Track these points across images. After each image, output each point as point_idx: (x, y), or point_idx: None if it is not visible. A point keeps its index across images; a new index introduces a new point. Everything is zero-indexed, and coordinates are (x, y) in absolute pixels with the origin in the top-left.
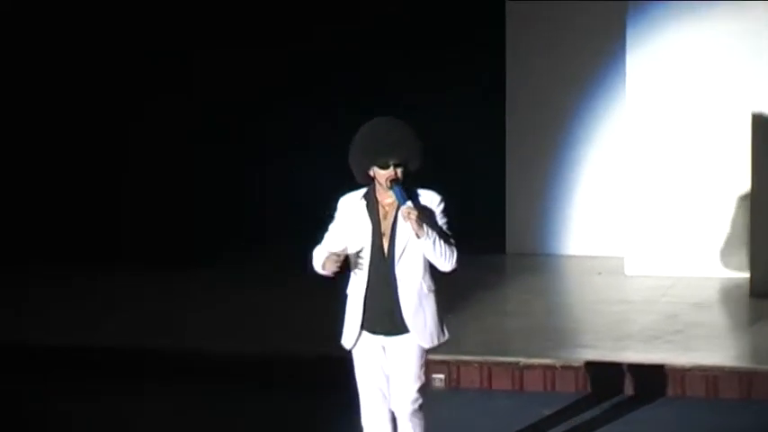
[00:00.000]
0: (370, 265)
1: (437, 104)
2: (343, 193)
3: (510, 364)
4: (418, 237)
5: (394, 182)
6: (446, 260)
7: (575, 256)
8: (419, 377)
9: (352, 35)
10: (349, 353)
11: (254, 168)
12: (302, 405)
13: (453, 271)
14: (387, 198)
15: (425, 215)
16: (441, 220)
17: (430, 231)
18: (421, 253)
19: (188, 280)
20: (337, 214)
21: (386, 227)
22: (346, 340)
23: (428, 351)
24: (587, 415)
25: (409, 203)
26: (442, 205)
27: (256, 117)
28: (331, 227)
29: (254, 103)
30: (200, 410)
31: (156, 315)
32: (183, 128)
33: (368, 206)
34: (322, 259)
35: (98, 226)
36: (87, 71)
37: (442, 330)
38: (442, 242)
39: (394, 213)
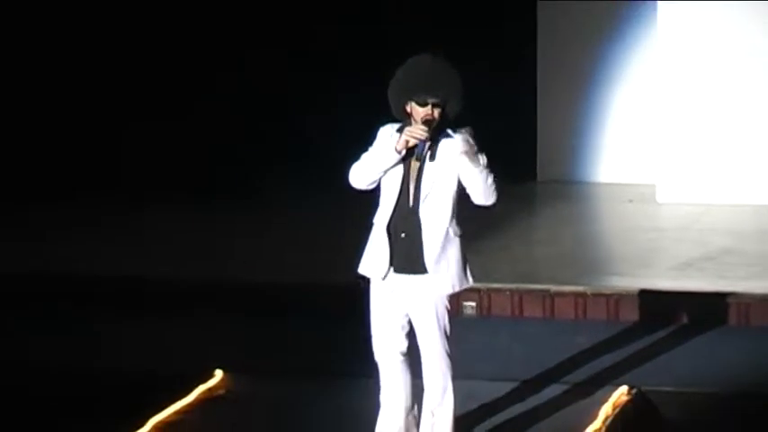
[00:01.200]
0: (396, 203)
1: (468, 37)
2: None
3: (541, 291)
4: (471, 167)
5: (428, 123)
6: (492, 193)
7: (606, 184)
8: (442, 325)
9: None
10: (366, 283)
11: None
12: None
13: (493, 206)
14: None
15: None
16: (477, 158)
17: (482, 159)
18: (449, 195)
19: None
20: (375, 143)
21: (415, 166)
22: (368, 270)
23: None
24: (617, 342)
25: (463, 136)
26: (470, 141)
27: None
28: (367, 153)
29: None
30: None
31: (180, 245)
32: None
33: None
34: (373, 162)
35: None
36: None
37: (465, 276)
38: (490, 174)
39: (431, 152)
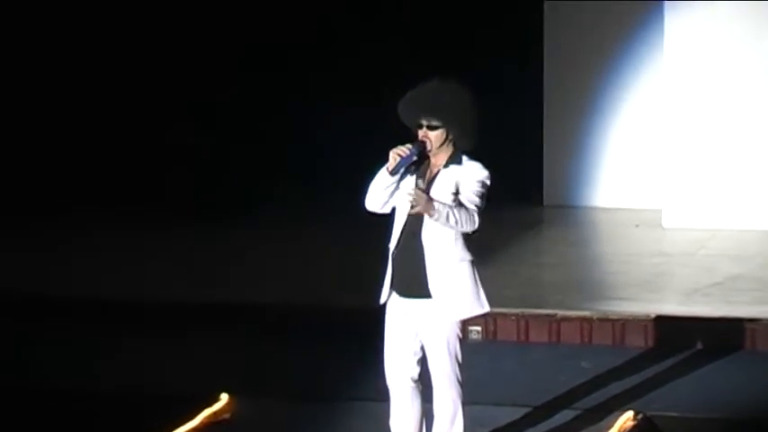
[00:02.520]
0: (403, 226)
1: (474, 55)
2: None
3: (547, 316)
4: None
5: (423, 144)
6: (462, 227)
7: (612, 209)
8: (453, 352)
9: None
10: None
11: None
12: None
13: (474, 232)
14: (437, 160)
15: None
16: (470, 188)
17: (441, 209)
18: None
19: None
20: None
21: (424, 187)
22: (381, 297)
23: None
24: (623, 368)
25: (412, 189)
26: (480, 178)
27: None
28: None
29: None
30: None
31: (181, 268)
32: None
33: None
34: (375, 184)
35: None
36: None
37: (479, 301)
38: (455, 213)
39: (432, 178)
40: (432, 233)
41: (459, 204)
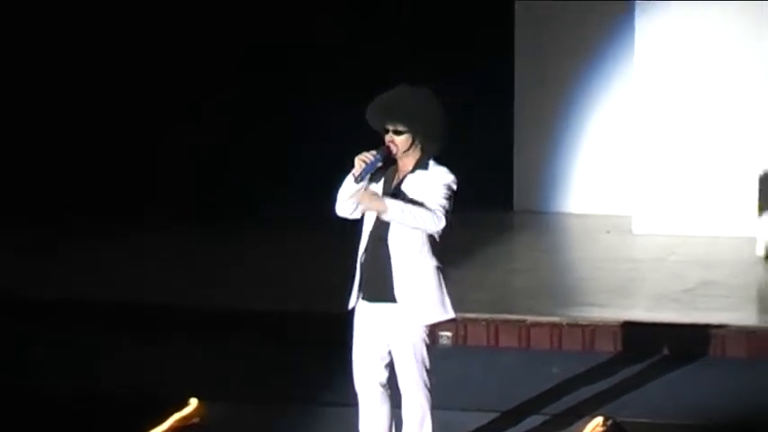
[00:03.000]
0: (370, 232)
1: (444, 62)
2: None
3: (517, 321)
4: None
5: (387, 150)
6: (424, 226)
7: (582, 215)
8: (420, 357)
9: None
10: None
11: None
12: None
13: (440, 238)
14: (404, 165)
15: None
16: (435, 191)
17: (393, 206)
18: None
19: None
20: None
21: (390, 196)
22: (349, 301)
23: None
24: (593, 373)
25: (365, 188)
26: (446, 182)
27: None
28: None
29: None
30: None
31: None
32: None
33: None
34: (342, 191)
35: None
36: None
37: (444, 307)
38: (413, 211)
39: (399, 183)
40: (398, 238)
41: (421, 205)
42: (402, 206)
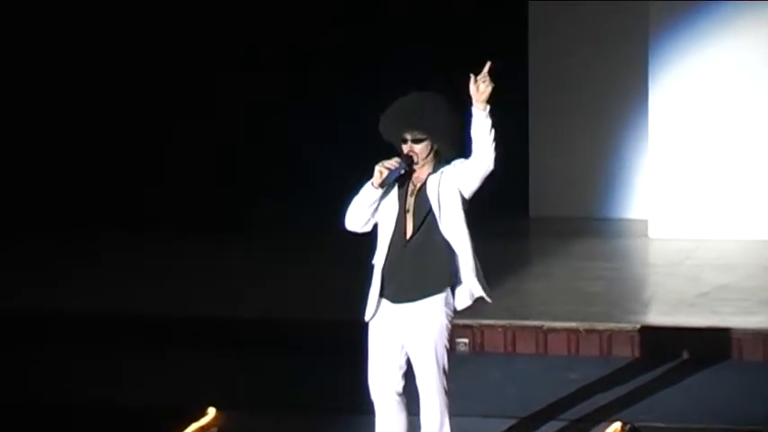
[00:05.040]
0: (392, 237)
1: (458, 64)
2: None
3: (534, 327)
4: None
5: (410, 158)
6: (490, 149)
7: (598, 219)
8: (441, 363)
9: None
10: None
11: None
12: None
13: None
14: (420, 173)
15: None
16: (458, 167)
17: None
18: (441, 232)
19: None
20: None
21: (410, 203)
22: (367, 312)
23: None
24: (610, 378)
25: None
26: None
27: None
28: (367, 184)
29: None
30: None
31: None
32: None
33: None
34: (358, 201)
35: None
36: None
37: (482, 284)
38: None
39: (418, 190)
40: (427, 239)
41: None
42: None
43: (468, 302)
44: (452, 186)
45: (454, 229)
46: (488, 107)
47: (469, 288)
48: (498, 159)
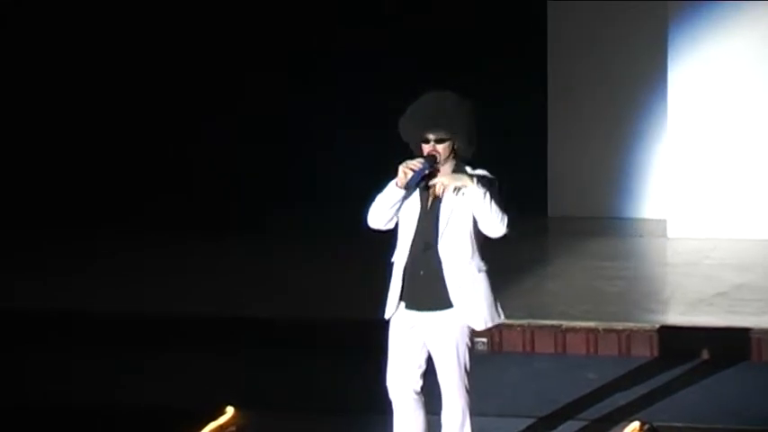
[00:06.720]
0: (412, 240)
1: (478, 68)
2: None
3: (552, 327)
4: (457, 191)
5: (433, 158)
6: (499, 219)
7: (617, 219)
8: (463, 362)
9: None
10: (387, 322)
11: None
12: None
13: (504, 236)
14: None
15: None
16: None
17: (479, 186)
18: (466, 231)
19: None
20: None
21: (433, 203)
22: (387, 310)
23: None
24: (629, 378)
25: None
26: (489, 183)
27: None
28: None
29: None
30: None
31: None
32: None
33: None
34: (382, 199)
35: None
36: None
37: (497, 311)
38: (492, 202)
39: (442, 190)
40: (450, 242)
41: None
42: (484, 190)
43: (482, 326)
44: (468, 212)
45: (463, 242)
46: (474, 179)
47: (481, 314)
48: (518, 157)
